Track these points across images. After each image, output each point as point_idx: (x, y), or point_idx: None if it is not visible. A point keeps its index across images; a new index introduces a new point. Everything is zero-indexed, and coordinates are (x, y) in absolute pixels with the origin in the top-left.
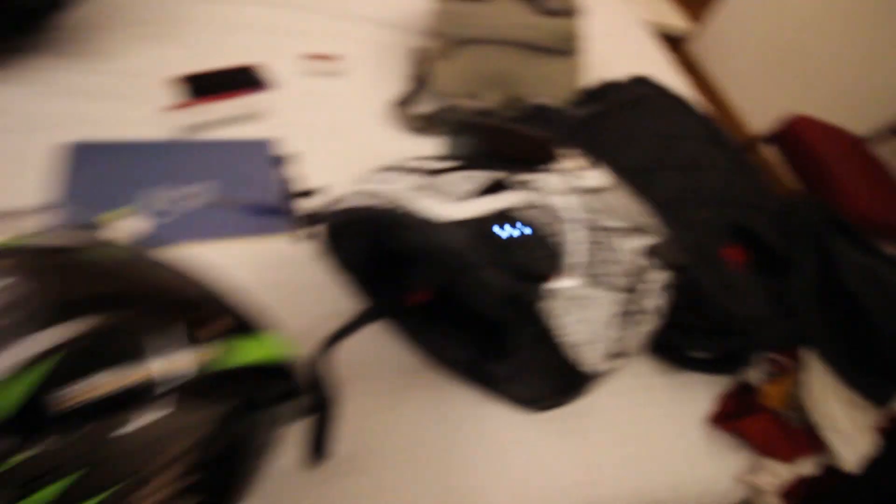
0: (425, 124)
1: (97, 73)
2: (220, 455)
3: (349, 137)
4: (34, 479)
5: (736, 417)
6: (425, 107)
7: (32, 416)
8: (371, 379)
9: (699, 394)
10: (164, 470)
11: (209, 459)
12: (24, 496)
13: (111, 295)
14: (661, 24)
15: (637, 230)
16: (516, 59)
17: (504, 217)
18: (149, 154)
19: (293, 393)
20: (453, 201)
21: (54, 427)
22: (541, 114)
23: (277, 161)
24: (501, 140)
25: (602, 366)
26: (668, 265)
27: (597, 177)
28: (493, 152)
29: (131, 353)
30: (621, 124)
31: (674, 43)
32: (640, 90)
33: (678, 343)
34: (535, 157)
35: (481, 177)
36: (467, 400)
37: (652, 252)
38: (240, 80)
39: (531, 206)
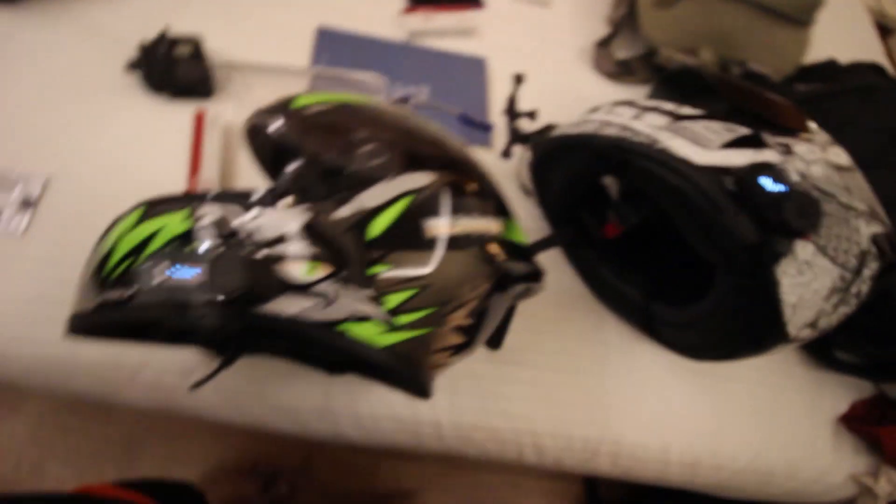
0: (624, 70)
1: None
2: (496, 308)
3: (548, 69)
4: (389, 286)
5: (869, 423)
6: (624, 52)
7: (391, 239)
8: (544, 292)
9: (837, 393)
10: (465, 304)
11: (481, 310)
12: (379, 297)
13: (439, 157)
14: (880, 10)
15: (872, 215)
16: (744, 19)
17: (764, 170)
18: (377, 49)
19: (537, 275)
20: (707, 148)
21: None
22: (759, 83)
23: (516, 80)
24: (748, 98)
25: (801, 333)
26: (887, 259)
27: (841, 154)
28: (737, 109)
29: (457, 206)
30: (843, 110)
31: (885, 32)
32: (871, 78)
33: (831, 340)
34: (783, 121)
35: (733, 129)
36: (623, 332)
37: (877, 241)
38: None
39: (787, 168)
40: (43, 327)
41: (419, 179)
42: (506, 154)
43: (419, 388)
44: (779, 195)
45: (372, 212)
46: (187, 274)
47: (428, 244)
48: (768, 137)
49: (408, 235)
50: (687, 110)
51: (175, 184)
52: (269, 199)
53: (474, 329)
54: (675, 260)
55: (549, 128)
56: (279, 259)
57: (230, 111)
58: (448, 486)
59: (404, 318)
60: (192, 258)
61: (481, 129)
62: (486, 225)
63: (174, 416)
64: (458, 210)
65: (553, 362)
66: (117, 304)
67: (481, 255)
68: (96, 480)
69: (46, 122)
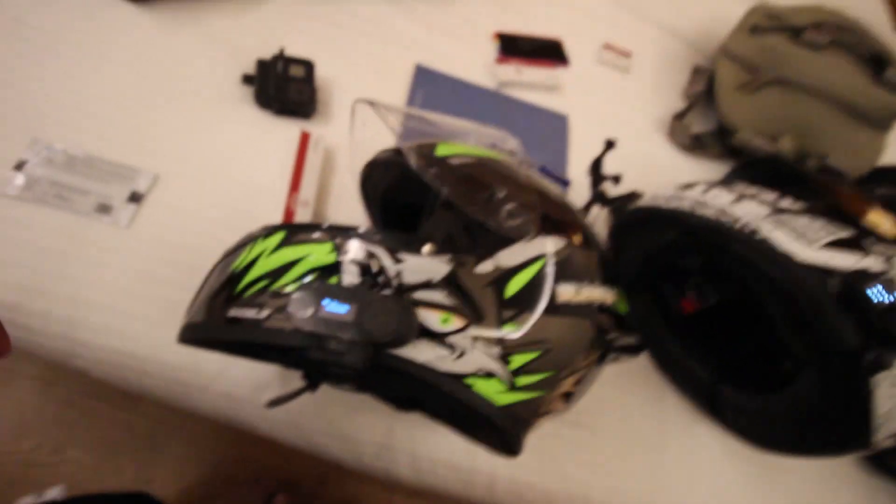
0: (697, 144)
1: (441, 13)
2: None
3: (625, 134)
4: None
5: None
6: (699, 126)
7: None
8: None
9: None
10: (576, 372)
11: (583, 377)
12: (506, 356)
13: (568, 222)
14: None
15: None
16: (828, 114)
17: (873, 278)
18: (469, 94)
19: (638, 349)
20: (810, 245)
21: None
22: (837, 179)
23: (607, 145)
24: (844, 199)
25: (884, 442)
26: None
27: None
28: (834, 208)
29: (582, 273)
30: None
31: None
32: None
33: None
34: (882, 229)
35: (833, 230)
36: (683, 410)
37: None
38: (547, 51)
39: (890, 276)
40: (131, 322)
41: (552, 243)
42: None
43: (516, 448)
44: (889, 306)
45: (510, 271)
46: (340, 309)
47: (555, 309)
48: (868, 243)
49: (537, 298)
50: (787, 203)
51: (273, 197)
52: (414, 245)
53: (573, 396)
54: (749, 344)
55: (633, 195)
56: (421, 305)
57: (330, 135)
58: None
59: (524, 380)
60: (343, 294)
61: (561, 183)
62: (603, 294)
63: (235, 426)
64: (582, 277)
65: (614, 430)
66: (251, 323)
67: (597, 325)
68: (113, 472)
69: (160, 121)
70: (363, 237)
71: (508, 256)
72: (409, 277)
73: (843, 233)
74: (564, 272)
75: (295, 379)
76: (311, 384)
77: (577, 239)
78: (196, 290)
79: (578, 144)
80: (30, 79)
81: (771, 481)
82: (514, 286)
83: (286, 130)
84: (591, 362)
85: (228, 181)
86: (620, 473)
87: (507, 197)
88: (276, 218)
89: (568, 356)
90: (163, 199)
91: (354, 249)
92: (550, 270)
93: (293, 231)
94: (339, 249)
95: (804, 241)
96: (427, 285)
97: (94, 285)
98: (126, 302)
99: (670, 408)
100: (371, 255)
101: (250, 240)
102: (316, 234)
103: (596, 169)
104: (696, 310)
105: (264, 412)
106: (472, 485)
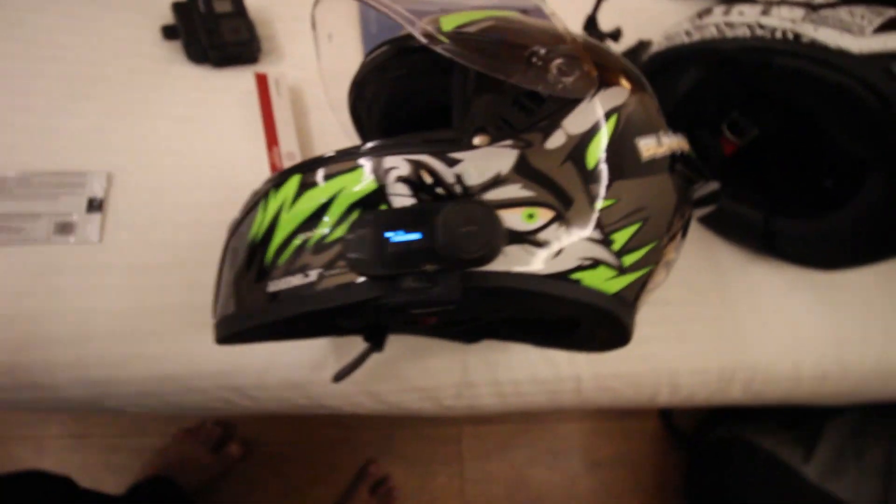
0: None
1: None
2: None
3: None
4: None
5: None
6: None
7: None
8: None
9: None
10: (675, 236)
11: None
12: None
13: (620, 68)
14: None
15: None
16: None
17: None
18: None
19: (716, 197)
20: (860, 35)
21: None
22: None
23: None
24: None
25: None
26: None
27: None
28: None
29: (654, 122)
30: None
31: None
32: None
33: None
34: None
35: (880, 12)
36: (735, 255)
37: None
38: None
39: None
40: (147, 343)
41: (616, 95)
42: None
43: (630, 335)
44: None
45: (584, 138)
46: (410, 237)
47: (645, 168)
48: None
49: (623, 161)
50: None
51: (252, 159)
52: (463, 141)
53: (672, 263)
54: (794, 171)
55: (642, 45)
56: (497, 206)
57: (290, 73)
58: (527, 443)
59: (630, 258)
60: (408, 217)
61: None
62: (679, 142)
63: (307, 413)
64: (656, 127)
65: (676, 296)
66: (301, 292)
67: (685, 177)
68: None
69: (89, 111)
70: (400, 147)
71: (576, 121)
72: (473, 178)
73: (890, 11)
74: (640, 125)
75: (351, 346)
76: (376, 344)
77: (632, 86)
78: (215, 282)
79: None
80: None
81: (836, 302)
82: (593, 154)
83: (236, 82)
84: (686, 220)
85: (193, 157)
86: (696, 336)
87: (550, 53)
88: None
89: (666, 219)
90: (127, 199)
91: (395, 165)
92: (628, 125)
93: (309, 168)
94: (375, 172)
95: (853, 32)
96: (496, 182)
97: (88, 317)
98: (132, 323)
99: (724, 258)
100: (419, 166)
101: (259, 198)
102: (340, 163)
103: (591, 25)
104: (736, 149)
105: (332, 390)
106: (559, 393)
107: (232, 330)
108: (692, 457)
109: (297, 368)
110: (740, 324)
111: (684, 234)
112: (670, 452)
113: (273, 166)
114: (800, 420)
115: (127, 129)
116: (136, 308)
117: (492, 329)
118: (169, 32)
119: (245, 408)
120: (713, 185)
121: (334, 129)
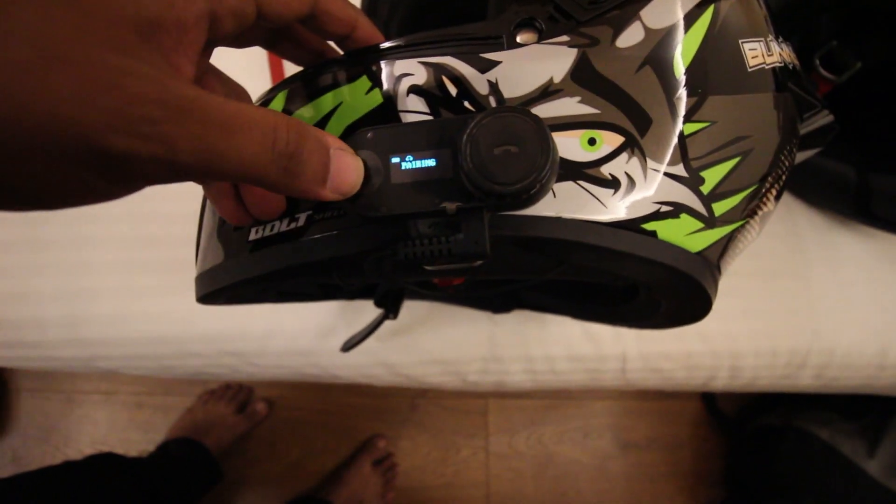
0: None
1: None
2: None
3: None
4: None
5: None
6: None
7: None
8: None
9: None
10: (779, 179)
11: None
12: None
13: None
14: None
15: None
16: None
17: None
18: None
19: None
20: None
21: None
22: None
23: None
24: None
25: None
26: None
27: None
28: None
29: (762, 25)
30: None
31: None
32: None
33: None
34: None
35: None
36: (816, 221)
37: None
38: None
39: None
40: (140, 301)
41: None
42: None
43: (710, 306)
44: None
45: (669, 33)
46: (425, 163)
47: (747, 82)
48: None
49: (722, 69)
50: None
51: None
52: (501, 38)
53: (767, 216)
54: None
55: None
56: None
57: None
58: (556, 419)
59: (723, 206)
60: (422, 135)
61: None
62: (790, 53)
63: (310, 382)
64: (764, 30)
65: (744, 266)
66: (285, 240)
67: (797, 100)
68: None
69: None
70: (416, 47)
71: (659, 11)
72: (513, 88)
73: None
74: (744, 22)
75: (364, 311)
76: (390, 310)
77: None
78: (196, 231)
79: None
80: None
81: None
82: (682, 57)
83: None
84: (792, 159)
85: None
86: (767, 313)
87: None
88: None
89: (772, 155)
90: None
91: (409, 71)
92: (729, 20)
93: (299, 83)
94: (383, 80)
95: None
96: (546, 93)
97: (79, 271)
98: (126, 279)
99: (803, 223)
100: (440, 70)
101: None
102: (337, 74)
103: None
104: (832, 88)
105: (343, 360)
106: (600, 373)
107: (207, 288)
108: (734, 443)
109: (302, 335)
110: (818, 301)
111: (786, 180)
112: (710, 437)
113: None
114: (862, 411)
115: None
116: (130, 263)
117: (525, 296)
118: None
119: (250, 374)
120: (826, 117)
121: None
